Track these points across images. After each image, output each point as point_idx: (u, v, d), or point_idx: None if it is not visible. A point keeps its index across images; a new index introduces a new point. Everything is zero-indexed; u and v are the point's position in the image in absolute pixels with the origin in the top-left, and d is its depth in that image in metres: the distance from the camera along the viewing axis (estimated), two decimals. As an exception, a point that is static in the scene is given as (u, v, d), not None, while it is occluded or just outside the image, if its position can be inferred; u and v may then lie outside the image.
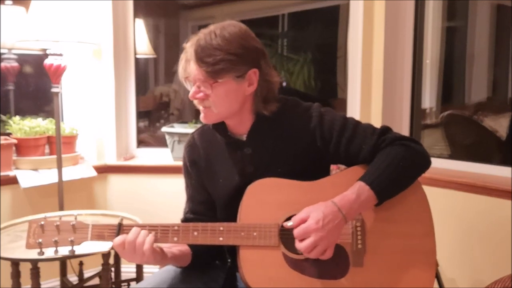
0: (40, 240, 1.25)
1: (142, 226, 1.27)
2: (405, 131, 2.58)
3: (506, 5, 2.64)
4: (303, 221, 1.24)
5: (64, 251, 1.28)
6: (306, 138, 1.36)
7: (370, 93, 2.57)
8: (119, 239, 1.23)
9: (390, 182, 1.30)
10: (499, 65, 2.73)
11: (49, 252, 1.28)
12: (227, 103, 1.32)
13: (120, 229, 1.26)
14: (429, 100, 2.78)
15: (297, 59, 3.62)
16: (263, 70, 1.32)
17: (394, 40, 2.53)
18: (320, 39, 3.70)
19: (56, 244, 1.26)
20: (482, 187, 2.10)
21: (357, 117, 2.55)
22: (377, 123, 2.50)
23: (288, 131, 1.37)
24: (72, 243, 1.26)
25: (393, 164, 1.30)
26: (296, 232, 1.24)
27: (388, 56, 2.52)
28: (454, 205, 2.21)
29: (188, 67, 1.29)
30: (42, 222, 1.26)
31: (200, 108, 1.34)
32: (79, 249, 1.29)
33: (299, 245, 1.24)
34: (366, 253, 1.32)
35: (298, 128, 1.37)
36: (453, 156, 2.66)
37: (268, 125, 1.36)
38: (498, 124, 2.63)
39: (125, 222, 1.29)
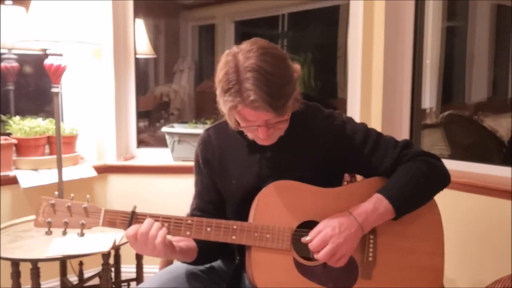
0: (49, 220, 1.22)
1: (156, 217, 1.25)
2: (405, 131, 2.58)
3: (506, 5, 2.64)
4: (320, 233, 1.24)
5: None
6: (327, 145, 1.35)
7: (370, 93, 2.57)
8: (132, 229, 1.21)
9: (410, 197, 1.30)
10: (499, 65, 2.73)
11: (49, 253, 1.27)
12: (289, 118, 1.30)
13: (132, 217, 1.24)
14: (429, 100, 2.78)
15: (297, 59, 3.62)
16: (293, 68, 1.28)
17: (394, 40, 2.53)
18: (320, 39, 3.70)
19: (66, 225, 1.23)
20: (482, 187, 2.10)
21: (357, 117, 2.55)
22: (377, 123, 2.52)
23: (308, 137, 1.36)
24: (83, 226, 1.23)
25: (413, 180, 1.30)
26: (313, 243, 1.23)
27: (388, 56, 2.52)
28: (454, 205, 2.21)
29: (249, 115, 1.19)
30: (53, 201, 1.23)
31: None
32: (79, 249, 1.29)
33: (317, 255, 1.24)
34: (375, 266, 1.32)
35: (319, 135, 1.36)
36: (453, 156, 2.66)
37: (290, 130, 1.33)
38: (498, 124, 2.63)
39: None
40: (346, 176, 1.66)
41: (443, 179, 1.37)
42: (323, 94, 3.72)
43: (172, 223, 1.26)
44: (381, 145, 1.35)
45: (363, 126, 1.39)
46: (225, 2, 4.01)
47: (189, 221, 1.26)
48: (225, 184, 1.40)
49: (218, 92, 1.21)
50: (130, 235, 1.21)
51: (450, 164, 2.38)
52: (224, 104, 1.20)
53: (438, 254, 1.37)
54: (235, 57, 1.18)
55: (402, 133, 2.57)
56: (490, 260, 2.10)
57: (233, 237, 1.27)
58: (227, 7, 4.00)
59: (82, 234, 1.25)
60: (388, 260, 1.33)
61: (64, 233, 1.24)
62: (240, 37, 3.97)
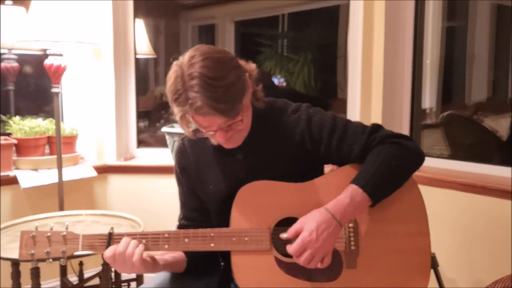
0: (32, 252, 1.27)
1: (133, 235, 1.27)
2: (405, 131, 2.58)
3: (506, 5, 2.64)
4: (298, 232, 1.23)
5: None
6: (296, 141, 1.35)
7: (370, 93, 2.57)
8: (109, 251, 1.23)
9: (383, 182, 1.28)
10: (499, 65, 2.74)
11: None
12: (250, 118, 1.32)
13: (110, 239, 1.27)
14: (429, 100, 2.78)
15: (297, 59, 3.62)
16: (245, 68, 1.28)
17: (394, 40, 2.53)
18: (320, 39, 3.71)
19: (48, 255, 1.27)
20: (482, 187, 2.10)
21: (357, 117, 2.55)
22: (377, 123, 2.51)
23: (277, 134, 1.36)
24: (63, 254, 1.28)
25: (384, 164, 1.28)
26: (292, 249, 1.23)
27: (388, 56, 2.52)
28: (454, 205, 2.21)
29: (202, 122, 1.22)
30: (33, 234, 1.27)
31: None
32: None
33: (297, 260, 1.23)
34: (359, 255, 1.31)
35: (287, 131, 1.36)
36: (453, 156, 2.66)
37: (259, 129, 1.35)
38: (498, 124, 2.63)
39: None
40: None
41: (415, 159, 1.35)
42: (323, 94, 3.72)
43: (149, 239, 1.27)
44: (349, 133, 1.34)
45: (330, 116, 1.37)
46: (225, 2, 4.01)
47: (166, 235, 1.28)
48: (204, 190, 1.40)
49: (169, 102, 1.23)
50: (108, 257, 1.23)
51: (450, 164, 2.41)
52: (176, 113, 1.22)
53: (423, 234, 1.34)
54: (180, 66, 1.20)
55: (402, 133, 2.57)
56: (490, 260, 2.10)
57: (212, 245, 1.27)
58: (227, 7, 4.00)
59: (65, 262, 1.29)
60: (372, 247, 1.32)
61: (49, 262, 1.28)
62: (240, 37, 3.97)
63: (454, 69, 2.92)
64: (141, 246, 1.24)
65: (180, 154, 1.44)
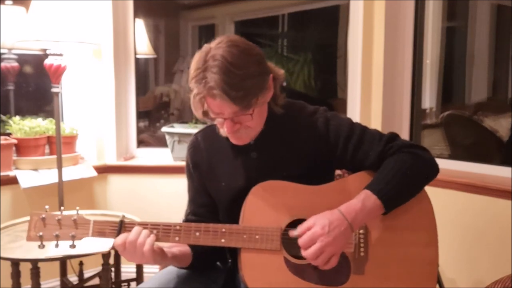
0: (41, 233, 1.25)
1: (144, 225, 1.26)
2: (405, 131, 2.58)
3: (506, 5, 2.64)
4: (309, 229, 1.23)
5: (64, 245, 1.28)
6: (312, 143, 1.35)
7: (370, 93, 2.57)
8: (120, 238, 1.23)
9: (397, 191, 1.28)
10: (499, 65, 2.74)
11: (49, 252, 1.28)
12: (262, 119, 1.32)
13: (121, 226, 1.26)
14: (429, 100, 2.78)
15: (297, 59, 3.62)
16: (272, 71, 1.29)
17: (394, 40, 2.53)
18: (320, 39, 3.70)
19: (57, 238, 1.25)
20: (482, 187, 2.10)
21: (357, 117, 2.55)
22: (377, 123, 2.52)
23: (294, 136, 1.36)
24: (73, 238, 1.26)
25: (400, 173, 1.28)
26: (301, 240, 1.22)
27: (388, 56, 2.52)
28: (454, 205, 2.21)
29: (213, 106, 1.21)
30: (44, 215, 1.26)
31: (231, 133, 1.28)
32: (79, 248, 1.29)
33: (305, 253, 1.23)
34: (368, 261, 1.31)
35: (304, 133, 1.36)
36: (453, 156, 2.66)
37: (275, 129, 1.35)
38: (498, 124, 2.63)
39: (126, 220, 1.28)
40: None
41: (430, 170, 1.35)
42: (323, 94, 3.72)
43: (160, 230, 1.26)
44: (366, 139, 1.34)
45: (348, 121, 1.38)
46: (225, 2, 4.01)
47: (178, 227, 1.27)
48: (215, 187, 1.40)
49: (189, 81, 1.24)
50: (118, 244, 1.23)
51: (450, 164, 2.41)
52: (192, 93, 1.22)
53: (432, 244, 1.35)
54: (207, 48, 1.22)
55: (402, 133, 2.57)
56: (490, 260, 2.10)
57: (222, 240, 1.27)
58: (227, 7, 4.00)
59: (73, 246, 1.27)
60: (381, 255, 1.32)
61: (56, 245, 1.27)
62: (240, 37, 3.97)
63: (454, 69, 2.92)
64: (152, 236, 1.23)
65: (194, 149, 1.43)
